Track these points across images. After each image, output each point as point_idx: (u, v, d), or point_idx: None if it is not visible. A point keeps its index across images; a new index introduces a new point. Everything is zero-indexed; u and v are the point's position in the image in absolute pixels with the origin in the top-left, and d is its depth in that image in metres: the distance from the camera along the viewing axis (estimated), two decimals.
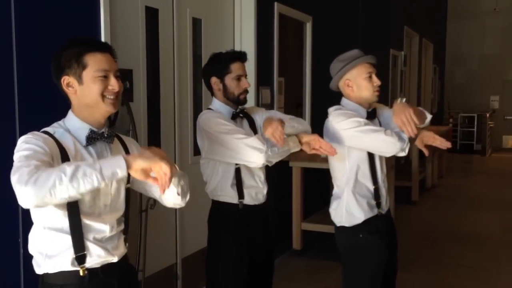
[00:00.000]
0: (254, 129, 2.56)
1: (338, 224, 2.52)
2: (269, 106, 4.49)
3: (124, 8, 2.94)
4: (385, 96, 7.92)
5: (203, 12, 3.75)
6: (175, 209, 3.43)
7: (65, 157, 1.61)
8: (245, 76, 2.52)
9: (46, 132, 1.65)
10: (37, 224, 1.67)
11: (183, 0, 3.50)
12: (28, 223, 2.24)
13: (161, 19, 3.30)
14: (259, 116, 2.62)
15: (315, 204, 4.95)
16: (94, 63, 1.66)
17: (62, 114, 2.28)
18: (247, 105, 2.62)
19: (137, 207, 2.78)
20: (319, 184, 5.10)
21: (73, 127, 1.70)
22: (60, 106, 2.44)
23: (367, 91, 2.46)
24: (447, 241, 5.40)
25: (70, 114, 1.73)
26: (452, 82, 13.84)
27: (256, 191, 2.52)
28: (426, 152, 2.62)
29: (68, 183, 1.43)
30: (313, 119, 5.40)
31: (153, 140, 3.25)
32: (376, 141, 2.36)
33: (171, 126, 3.42)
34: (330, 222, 2.59)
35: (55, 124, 1.72)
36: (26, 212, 2.23)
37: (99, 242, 1.68)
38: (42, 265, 1.66)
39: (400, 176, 6.54)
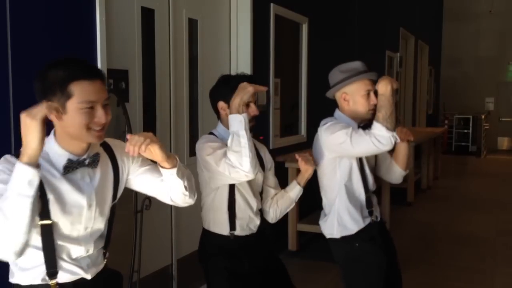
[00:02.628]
0: (260, 160, 2.42)
1: (328, 237, 2.50)
2: (265, 107, 4.50)
3: (120, 8, 2.94)
4: None
5: (199, 13, 3.75)
6: (171, 210, 3.42)
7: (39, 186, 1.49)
8: (255, 102, 2.32)
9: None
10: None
11: (179, 0, 3.50)
12: None
13: (157, 19, 3.30)
14: (265, 157, 2.52)
15: (310, 205, 4.93)
16: (80, 93, 1.51)
17: None
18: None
19: (132, 208, 2.78)
20: (315, 185, 5.09)
21: (52, 153, 1.59)
22: None
23: (362, 108, 2.41)
24: (442, 242, 5.41)
25: (51, 137, 1.60)
26: (447, 83, 13.88)
27: (247, 222, 2.40)
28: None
29: (4, 219, 1.39)
30: (309, 120, 5.41)
31: None
32: (369, 145, 2.29)
33: (166, 127, 3.42)
34: None
35: None
36: None
37: (74, 260, 1.64)
38: (15, 276, 1.64)
39: None
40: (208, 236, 2.42)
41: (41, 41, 2.37)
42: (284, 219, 4.84)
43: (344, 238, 2.45)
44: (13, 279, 1.65)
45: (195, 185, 1.82)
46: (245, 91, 2.14)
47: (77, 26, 2.58)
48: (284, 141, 4.97)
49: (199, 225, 2.60)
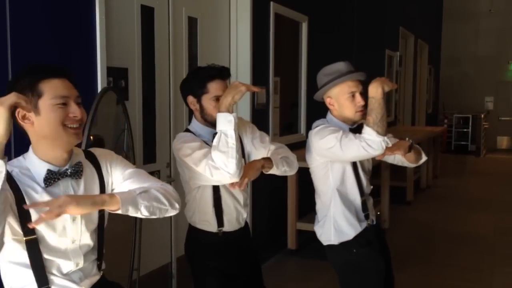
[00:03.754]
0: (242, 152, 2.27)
1: (325, 243, 2.47)
2: (265, 106, 4.50)
3: (119, 6, 2.94)
4: None
5: (199, 11, 3.75)
6: None
7: (21, 201, 1.47)
8: None
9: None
10: (1, 258, 1.57)
11: None
12: None
13: (156, 17, 3.30)
14: (247, 137, 2.35)
15: (310, 204, 4.93)
16: (50, 89, 1.50)
17: None
18: (244, 110, 2.51)
19: None
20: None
21: (32, 166, 1.54)
22: None
23: (348, 111, 2.36)
24: (441, 241, 5.42)
25: (29, 151, 1.57)
26: (447, 83, 13.89)
27: (236, 216, 2.34)
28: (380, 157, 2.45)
29: None
30: (308, 119, 5.41)
31: (148, 139, 3.25)
32: (359, 149, 2.22)
33: (166, 125, 3.42)
34: None
35: (14, 161, 1.57)
36: None
37: (65, 275, 1.61)
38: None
39: (395, 176, 6.55)
40: (195, 234, 2.34)
41: (40, 40, 2.37)
42: (283, 218, 4.85)
43: (342, 244, 2.42)
44: None
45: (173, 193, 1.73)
46: (237, 90, 2.03)
47: (77, 24, 2.58)
48: (284, 140, 4.95)
49: None
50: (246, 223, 2.45)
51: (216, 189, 2.26)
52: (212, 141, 2.08)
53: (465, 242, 5.36)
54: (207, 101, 2.20)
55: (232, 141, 2.01)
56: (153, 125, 3.31)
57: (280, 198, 4.82)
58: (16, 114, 1.48)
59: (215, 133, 2.08)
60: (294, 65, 5.34)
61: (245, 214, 2.40)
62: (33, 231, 1.52)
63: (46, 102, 1.50)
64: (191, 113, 3.65)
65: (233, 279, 2.36)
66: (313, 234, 4.82)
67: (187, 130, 2.30)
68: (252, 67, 4.21)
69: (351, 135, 2.27)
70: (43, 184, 1.53)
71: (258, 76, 4.34)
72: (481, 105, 13.61)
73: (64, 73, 1.56)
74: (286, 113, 5.15)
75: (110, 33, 2.81)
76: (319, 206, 2.52)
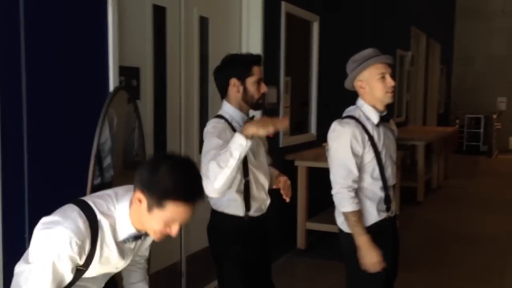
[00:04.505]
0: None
1: (345, 231, 2.48)
2: (275, 105, 4.50)
3: (131, 6, 2.96)
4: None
5: (211, 11, 3.77)
6: None
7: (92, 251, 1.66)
8: (263, 80, 2.46)
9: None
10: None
11: None
12: (34, 218, 2.26)
13: (168, 17, 3.32)
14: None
15: (320, 203, 4.94)
16: (171, 212, 1.56)
17: (71, 120, 2.30)
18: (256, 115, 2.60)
19: None
20: (325, 183, 5.09)
21: (120, 222, 1.67)
22: (68, 110, 2.46)
23: (379, 92, 2.41)
24: (451, 242, 5.39)
25: (125, 211, 1.67)
26: (459, 83, 13.78)
27: (261, 203, 2.47)
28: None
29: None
30: (319, 119, 5.41)
31: (159, 138, 3.27)
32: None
33: (177, 124, 3.43)
34: (334, 221, 2.58)
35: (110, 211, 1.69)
36: (33, 208, 2.26)
37: None
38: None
39: (406, 176, 6.53)
40: (220, 218, 2.44)
41: (53, 39, 2.39)
42: (293, 217, 4.85)
43: (350, 235, 2.42)
44: None
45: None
46: (265, 128, 2.17)
47: (89, 24, 2.60)
48: (294, 140, 4.97)
49: (207, 215, 2.61)
50: (267, 213, 2.56)
51: (246, 173, 2.38)
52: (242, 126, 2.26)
53: (476, 243, 5.33)
54: (251, 84, 2.40)
55: (233, 162, 2.13)
56: (164, 124, 3.33)
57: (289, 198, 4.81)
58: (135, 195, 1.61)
59: (247, 119, 2.37)
60: (305, 65, 5.33)
61: (268, 201, 2.53)
62: (87, 265, 1.64)
63: (160, 215, 1.58)
64: (202, 112, 3.68)
65: (251, 266, 2.46)
66: (322, 234, 4.86)
67: (220, 116, 2.42)
68: (264, 67, 4.19)
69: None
70: (118, 239, 1.68)
71: (269, 75, 4.34)
72: (493, 106, 13.49)
73: (195, 198, 1.62)
74: (297, 113, 5.15)
75: (122, 33, 2.83)
76: None
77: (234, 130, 2.33)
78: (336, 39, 5.74)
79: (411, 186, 6.81)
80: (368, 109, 2.46)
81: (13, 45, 2.20)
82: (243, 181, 2.37)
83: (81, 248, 1.56)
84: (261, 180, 2.46)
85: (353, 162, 2.37)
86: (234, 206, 2.39)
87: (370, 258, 2.34)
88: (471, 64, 13.74)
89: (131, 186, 1.69)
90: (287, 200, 2.56)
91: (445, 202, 7.23)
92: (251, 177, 2.39)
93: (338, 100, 2.60)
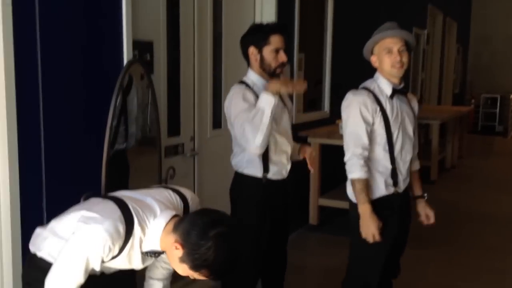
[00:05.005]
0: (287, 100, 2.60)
1: (353, 201, 2.51)
2: None
3: None
4: (406, 75, 7.81)
5: None
6: (194, 179, 3.47)
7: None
8: (284, 49, 2.49)
9: None
10: (60, 237, 1.71)
11: None
12: (51, 187, 2.30)
13: None
14: (287, 101, 2.64)
15: (332, 180, 4.95)
16: (200, 276, 1.65)
17: (85, 113, 2.31)
18: None
19: (156, 177, 2.83)
20: (337, 160, 5.09)
21: (148, 241, 1.72)
22: (83, 84, 2.47)
23: (386, 65, 2.45)
24: (465, 221, 5.38)
25: (158, 232, 1.71)
26: (475, 62, 13.57)
27: (280, 167, 2.53)
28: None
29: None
30: (332, 96, 5.38)
31: (173, 114, 3.28)
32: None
33: (190, 99, 3.44)
34: (346, 198, 2.58)
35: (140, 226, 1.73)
36: (49, 178, 2.29)
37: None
38: (42, 250, 1.74)
39: (420, 155, 6.41)
40: (240, 179, 2.56)
41: (67, 13, 2.39)
42: (305, 194, 4.87)
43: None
44: (38, 253, 1.77)
45: None
46: (286, 87, 2.37)
47: None
48: (307, 117, 4.96)
49: (222, 194, 2.65)
50: (288, 178, 2.63)
51: None
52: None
53: (489, 223, 5.31)
54: (268, 52, 2.45)
55: (266, 119, 2.27)
56: (178, 99, 3.34)
57: (302, 174, 4.82)
58: None
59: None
60: (319, 42, 5.29)
61: (288, 167, 2.61)
62: (111, 260, 1.68)
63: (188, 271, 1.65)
64: (215, 87, 3.68)
65: (269, 223, 2.55)
66: (335, 210, 4.87)
67: (241, 82, 2.52)
68: None
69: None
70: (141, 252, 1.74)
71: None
72: (510, 86, 13.28)
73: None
74: (310, 90, 5.13)
75: (136, 6, 2.82)
76: None
77: (255, 95, 2.41)
78: (351, 16, 5.67)
79: (425, 165, 6.74)
80: (382, 82, 2.48)
81: (28, 22, 2.20)
82: None
83: (110, 251, 1.61)
84: (283, 145, 2.52)
85: (363, 130, 2.40)
86: (252, 167, 2.48)
87: (367, 227, 2.38)
88: (488, 43, 13.50)
89: (173, 201, 1.77)
90: (312, 170, 2.70)
91: (459, 182, 7.19)
92: (271, 140, 2.44)
93: (352, 78, 2.60)
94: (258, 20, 4.13)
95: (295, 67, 4.58)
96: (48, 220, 2.15)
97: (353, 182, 2.42)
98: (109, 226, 1.58)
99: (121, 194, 1.79)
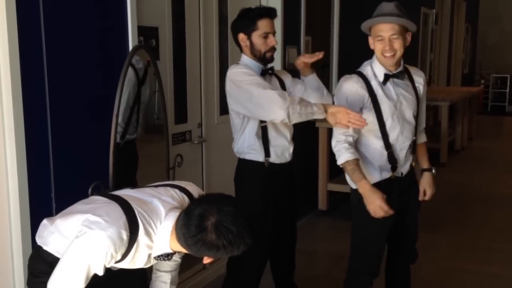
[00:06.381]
0: (283, 88, 2.53)
1: (352, 186, 2.48)
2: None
3: None
4: (414, 56, 7.73)
5: None
6: (202, 167, 3.46)
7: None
8: (273, 33, 2.46)
9: None
10: (65, 236, 1.70)
11: None
12: (60, 178, 2.29)
13: None
14: (288, 80, 2.60)
15: None
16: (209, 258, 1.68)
17: (91, 101, 2.28)
18: (275, 67, 2.60)
19: (164, 165, 2.81)
20: None
21: (159, 243, 1.72)
22: (88, 70, 2.44)
23: (377, 52, 2.36)
24: (475, 203, 5.34)
25: (166, 235, 1.71)
26: (484, 42, 13.39)
27: (282, 150, 2.51)
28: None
29: None
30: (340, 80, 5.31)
31: (180, 100, 3.25)
32: None
33: (197, 85, 3.41)
34: None
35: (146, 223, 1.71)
36: (57, 168, 2.29)
37: None
38: (49, 245, 1.73)
39: (429, 137, 6.33)
40: (243, 165, 2.53)
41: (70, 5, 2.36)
42: (314, 179, 4.85)
43: (357, 189, 2.40)
44: (46, 247, 1.75)
45: None
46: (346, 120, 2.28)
47: None
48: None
49: (230, 180, 2.64)
50: (291, 162, 2.61)
51: (262, 121, 2.44)
52: (260, 74, 2.43)
53: (500, 204, 5.27)
54: (256, 37, 2.43)
55: (309, 116, 2.30)
56: (184, 85, 3.31)
57: (311, 159, 4.81)
58: None
59: (263, 68, 2.47)
60: (326, 25, 5.21)
61: (291, 149, 2.58)
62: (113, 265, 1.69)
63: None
64: (222, 73, 3.64)
65: (274, 209, 2.54)
66: (344, 195, 4.85)
67: (238, 64, 2.52)
68: (283, 26, 4.13)
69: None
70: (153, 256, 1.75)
71: (290, 35, 4.27)
72: None
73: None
74: (317, 74, 5.05)
75: None
76: None
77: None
78: None
79: (434, 148, 6.71)
80: (376, 65, 2.40)
81: (32, 8, 2.18)
82: (261, 126, 2.43)
83: (112, 258, 1.60)
84: (280, 127, 2.48)
85: None
86: (253, 152, 2.47)
87: (372, 203, 2.29)
88: (498, 22, 13.29)
89: (179, 199, 1.75)
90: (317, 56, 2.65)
91: (469, 164, 7.14)
92: (268, 123, 2.43)
93: (360, 61, 2.53)
94: (264, 3, 4.08)
95: (302, 50, 4.52)
96: (58, 209, 2.16)
97: (343, 167, 2.37)
98: (113, 233, 1.56)
99: (128, 194, 1.76)
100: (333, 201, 4.99)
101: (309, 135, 4.68)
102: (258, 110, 2.32)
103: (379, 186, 2.39)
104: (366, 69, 2.42)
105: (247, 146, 2.47)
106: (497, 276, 3.62)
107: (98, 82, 2.49)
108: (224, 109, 3.66)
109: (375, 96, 2.36)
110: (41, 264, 1.73)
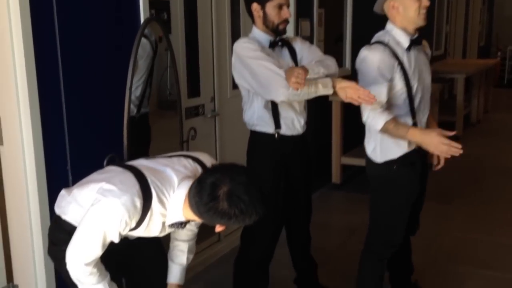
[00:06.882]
0: (294, 58, 2.50)
1: (373, 160, 2.46)
2: (308, 39, 4.39)
3: None
4: (430, 28, 7.60)
5: None
6: (215, 141, 3.47)
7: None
8: (288, 5, 2.43)
9: None
10: (82, 206, 1.73)
11: None
12: (75, 152, 2.32)
13: None
14: (300, 48, 2.56)
15: (355, 138, 4.89)
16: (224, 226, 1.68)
17: (104, 74, 2.27)
18: (287, 36, 2.56)
19: (178, 138, 2.83)
20: (359, 118, 5.03)
21: (171, 212, 1.73)
22: (100, 44, 2.44)
23: (413, 12, 2.29)
24: (490, 176, 5.31)
25: (180, 202, 1.71)
26: (502, 13, 13.09)
27: (292, 121, 2.49)
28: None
29: None
30: (354, 53, 5.26)
31: (192, 75, 3.25)
32: None
33: (209, 59, 3.40)
34: None
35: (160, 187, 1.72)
36: (73, 142, 2.31)
37: None
38: (67, 214, 1.77)
39: (444, 110, 6.36)
40: (254, 137, 2.52)
41: None
42: (328, 152, 4.85)
43: (386, 162, 2.40)
44: (64, 216, 1.80)
45: None
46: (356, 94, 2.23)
47: None
48: None
49: (244, 153, 2.64)
50: (304, 134, 2.58)
51: None
52: (268, 46, 2.40)
53: None
54: (271, 8, 2.40)
55: (311, 95, 2.28)
56: (197, 59, 3.30)
57: (324, 133, 4.80)
58: None
59: (272, 40, 2.42)
60: None
61: (302, 121, 2.55)
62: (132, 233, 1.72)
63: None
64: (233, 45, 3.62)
65: (286, 181, 2.54)
66: (357, 168, 4.85)
67: (246, 37, 2.48)
68: None
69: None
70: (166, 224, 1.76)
71: (302, 7, 4.22)
72: None
73: None
74: (331, 47, 5.02)
75: None
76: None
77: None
78: None
79: (450, 121, 6.64)
80: (398, 33, 2.35)
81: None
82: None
83: (127, 225, 1.62)
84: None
85: (382, 88, 2.27)
86: (263, 124, 2.46)
87: (431, 140, 2.20)
88: None
89: (192, 169, 1.75)
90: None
91: (484, 137, 7.06)
92: None
93: (374, 33, 2.49)
94: None
95: (315, 23, 4.47)
96: (74, 182, 2.18)
97: (385, 129, 2.26)
98: (127, 200, 1.58)
99: (141, 164, 1.78)
100: (346, 175, 5.00)
101: (322, 109, 4.66)
102: (259, 88, 2.32)
103: (403, 158, 2.38)
104: (385, 38, 2.36)
105: (256, 118, 2.46)
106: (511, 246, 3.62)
107: (111, 55, 2.49)
108: (236, 85, 3.65)
109: (403, 63, 2.33)
110: (60, 233, 1.77)
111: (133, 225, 1.64)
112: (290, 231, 2.75)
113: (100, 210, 1.60)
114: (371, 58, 2.29)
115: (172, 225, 1.73)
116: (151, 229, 1.73)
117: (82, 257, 1.64)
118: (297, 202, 2.66)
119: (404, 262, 2.80)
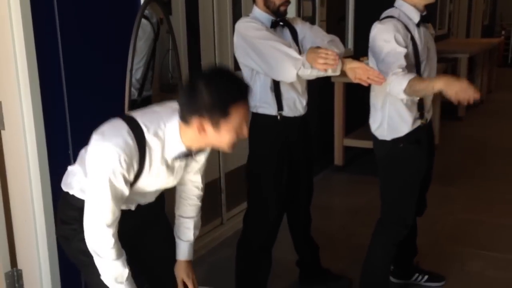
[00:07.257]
0: (295, 39, 2.48)
1: (379, 138, 2.46)
2: (311, 19, 4.35)
3: None
4: (433, 7, 7.51)
5: None
6: None
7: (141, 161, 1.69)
8: None
9: None
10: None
11: None
12: (76, 135, 2.31)
13: None
14: (300, 29, 2.53)
15: (357, 120, 4.88)
16: (237, 117, 1.58)
17: (104, 56, 2.25)
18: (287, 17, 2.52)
19: None
20: (362, 99, 5.01)
21: (170, 142, 1.66)
22: (100, 25, 2.41)
23: None
24: (493, 157, 5.30)
25: (175, 130, 1.65)
26: None
27: (294, 102, 2.47)
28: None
29: None
30: (356, 34, 5.21)
31: (194, 57, 3.23)
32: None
33: (210, 41, 3.37)
34: (371, 138, 2.53)
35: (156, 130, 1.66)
36: (74, 125, 2.30)
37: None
38: (74, 187, 1.76)
39: None
40: (256, 119, 2.48)
41: None
42: (330, 134, 4.84)
43: (392, 140, 2.40)
44: (71, 191, 1.78)
45: None
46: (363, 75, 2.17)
47: None
48: None
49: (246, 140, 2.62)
50: (305, 115, 2.56)
51: None
52: (270, 26, 2.37)
53: None
54: None
55: (315, 74, 2.23)
56: (198, 42, 3.27)
57: (327, 114, 4.78)
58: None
59: (273, 20, 2.39)
60: None
61: (304, 102, 2.53)
62: (136, 180, 1.67)
63: (229, 126, 1.58)
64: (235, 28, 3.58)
65: (288, 163, 2.53)
66: (360, 150, 4.84)
67: (247, 17, 2.45)
68: None
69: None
70: (170, 157, 1.68)
71: None
72: None
73: (247, 94, 1.61)
74: (333, 27, 4.96)
75: None
76: (374, 100, 2.48)
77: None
78: None
79: (452, 101, 6.61)
80: (408, 8, 2.33)
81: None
82: (273, 79, 2.38)
83: (129, 166, 1.58)
84: (293, 82, 2.42)
85: (401, 52, 2.21)
86: (266, 106, 2.44)
87: (460, 82, 2.09)
88: None
89: (175, 103, 1.68)
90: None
91: (488, 117, 7.04)
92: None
93: (377, 14, 2.45)
94: None
95: (317, 3, 4.42)
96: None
97: (411, 88, 2.13)
98: (118, 141, 1.56)
99: (130, 113, 1.77)
100: (349, 157, 4.99)
101: (325, 90, 4.63)
102: (267, 68, 2.29)
103: (410, 135, 2.38)
104: (395, 13, 2.33)
105: (259, 99, 2.44)
106: None
107: (111, 37, 2.47)
108: (238, 66, 3.63)
109: (414, 38, 2.31)
110: (70, 210, 1.77)
111: (136, 166, 1.61)
112: (291, 214, 2.75)
113: (96, 158, 1.58)
114: (386, 28, 2.26)
115: (176, 158, 1.69)
116: (155, 172, 1.69)
117: (101, 217, 1.61)
118: (299, 184, 2.66)
119: (409, 244, 2.81)
